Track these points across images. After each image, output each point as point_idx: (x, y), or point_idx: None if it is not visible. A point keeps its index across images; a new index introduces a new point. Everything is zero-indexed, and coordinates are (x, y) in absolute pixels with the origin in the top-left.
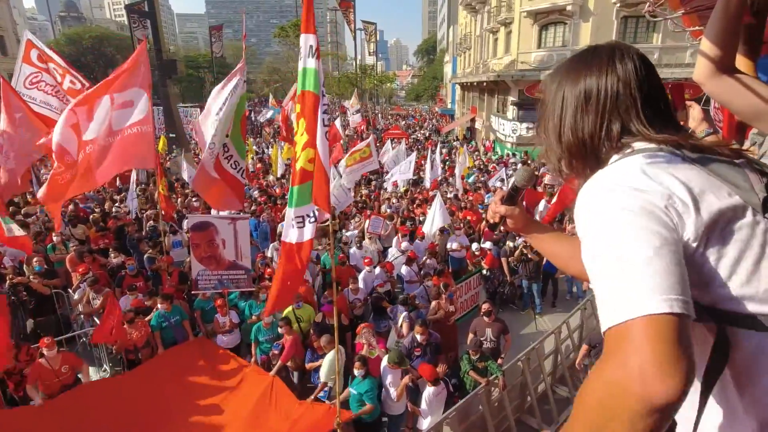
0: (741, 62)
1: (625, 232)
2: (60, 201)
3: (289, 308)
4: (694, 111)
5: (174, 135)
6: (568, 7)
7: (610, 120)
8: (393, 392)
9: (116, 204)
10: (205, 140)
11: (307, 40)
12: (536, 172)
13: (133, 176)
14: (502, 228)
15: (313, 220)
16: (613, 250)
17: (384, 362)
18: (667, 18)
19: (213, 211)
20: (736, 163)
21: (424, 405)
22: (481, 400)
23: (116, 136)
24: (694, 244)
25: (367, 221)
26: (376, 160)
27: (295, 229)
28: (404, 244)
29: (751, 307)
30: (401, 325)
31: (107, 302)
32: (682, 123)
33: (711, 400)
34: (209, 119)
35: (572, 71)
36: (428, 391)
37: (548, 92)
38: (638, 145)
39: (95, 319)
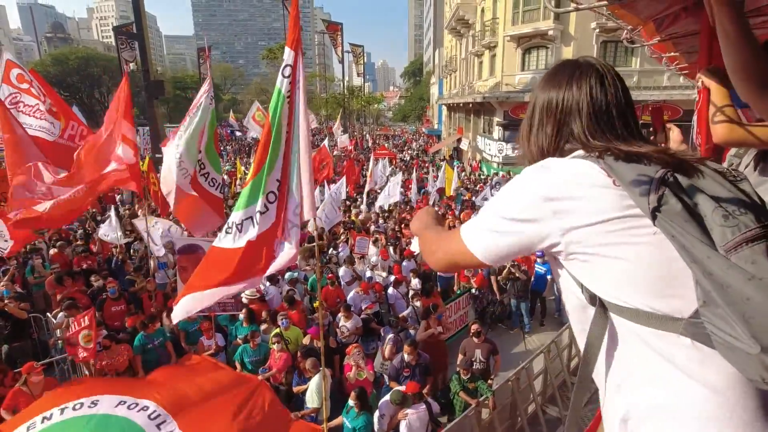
0: (717, 91)
1: (513, 194)
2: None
3: (277, 330)
4: (674, 133)
5: (160, 155)
6: (550, 32)
7: (561, 130)
8: (383, 422)
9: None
10: (173, 160)
11: (286, 55)
12: None
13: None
14: None
15: (257, 222)
16: (500, 199)
17: (386, 398)
18: (644, 45)
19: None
20: (649, 170)
21: (403, 427)
22: (471, 422)
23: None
24: (577, 231)
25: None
26: (371, 178)
27: (232, 234)
28: (369, 258)
29: (626, 301)
30: (386, 347)
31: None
32: (662, 145)
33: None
34: (174, 141)
35: (542, 85)
36: (408, 413)
37: (529, 103)
38: (576, 154)
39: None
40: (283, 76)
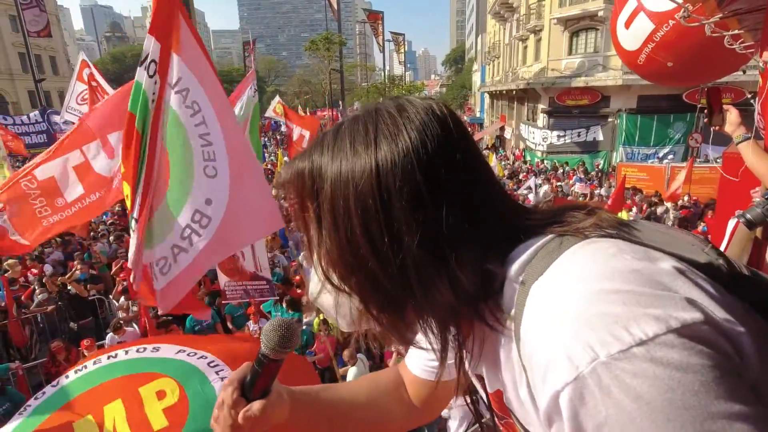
0: None
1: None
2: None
3: (321, 316)
4: (732, 115)
5: None
6: (600, 13)
7: (472, 216)
8: None
9: None
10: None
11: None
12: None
13: None
14: None
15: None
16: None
17: None
18: (703, 23)
19: None
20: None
21: (445, 410)
22: None
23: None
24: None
25: None
26: None
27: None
28: None
29: None
30: None
31: (141, 310)
32: (718, 128)
33: None
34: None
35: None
36: (452, 401)
37: (324, 195)
38: (533, 242)
39: (134, 325)
40: (148, 75)
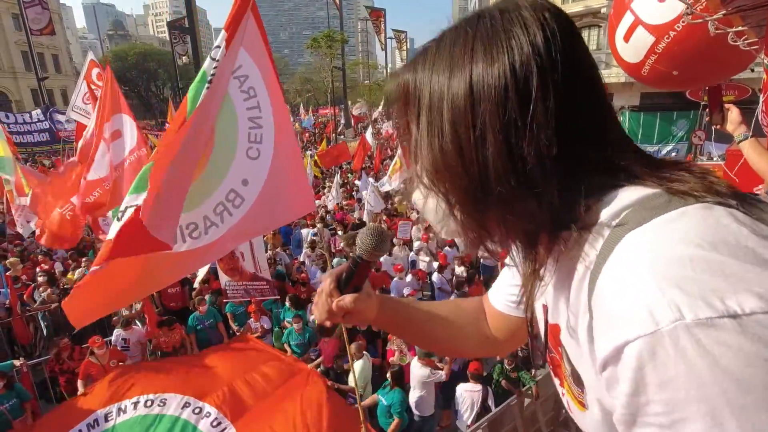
0: None
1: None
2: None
3: None
4: (733, 114)
5: None
6: (602, 10)
7: (572, 152)
8: (419, 393)
9: None
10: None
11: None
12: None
13: None
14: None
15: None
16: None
17: (414, 363)
18: (706, 19)
19: None
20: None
21: (459, 401)
22: (513, 412)
23: (119, 170)
24: None
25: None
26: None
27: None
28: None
29: None
30: None
31: (144, 306)
32: (718, 126)
33: None
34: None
35: (480, 55)
36: (461, 387)
37: (424, 101)
38: (639, 191)
39: (138, 323)
40: (210, 57)
